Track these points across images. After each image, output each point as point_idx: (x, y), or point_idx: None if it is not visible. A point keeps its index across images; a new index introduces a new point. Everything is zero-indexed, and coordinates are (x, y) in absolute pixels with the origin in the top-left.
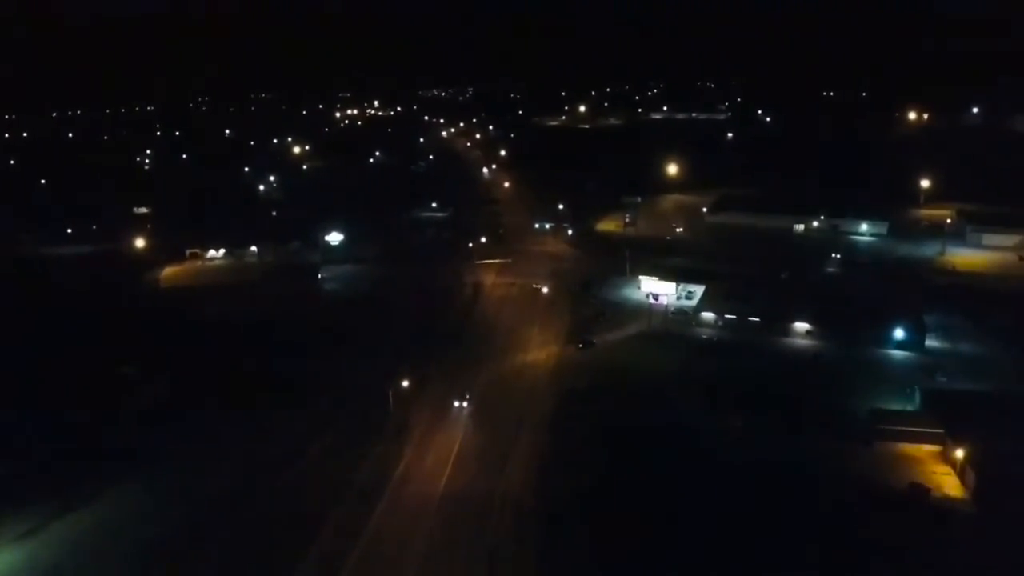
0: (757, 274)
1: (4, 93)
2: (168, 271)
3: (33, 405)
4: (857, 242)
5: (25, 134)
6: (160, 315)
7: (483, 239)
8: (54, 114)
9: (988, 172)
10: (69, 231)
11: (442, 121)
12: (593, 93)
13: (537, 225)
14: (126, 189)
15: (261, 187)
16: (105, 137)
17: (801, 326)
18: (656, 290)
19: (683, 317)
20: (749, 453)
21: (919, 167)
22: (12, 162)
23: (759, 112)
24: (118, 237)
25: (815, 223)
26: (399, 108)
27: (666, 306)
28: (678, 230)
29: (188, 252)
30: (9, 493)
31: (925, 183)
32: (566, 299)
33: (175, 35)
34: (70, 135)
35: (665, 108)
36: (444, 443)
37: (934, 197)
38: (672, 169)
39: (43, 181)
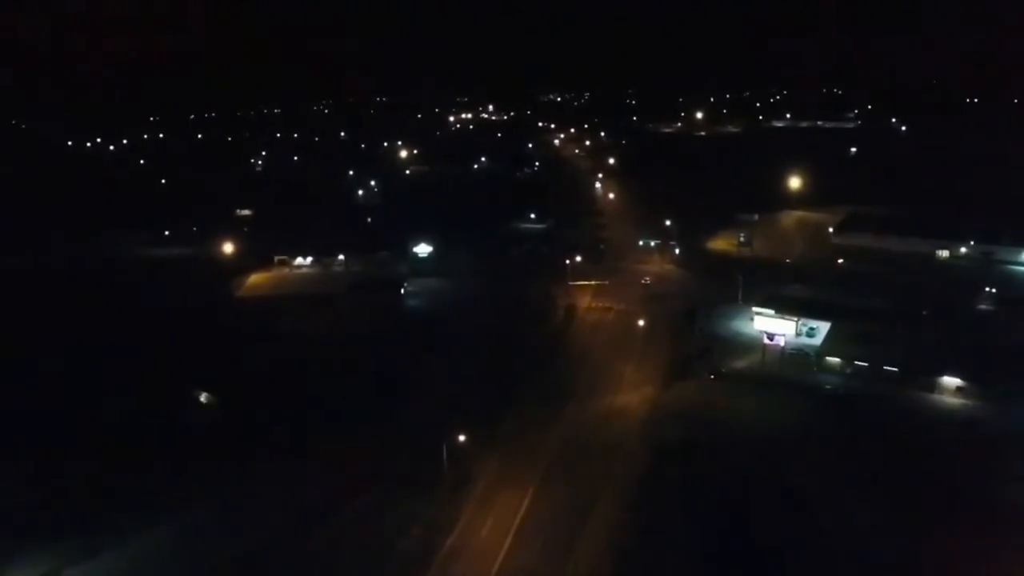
0: (894, 311)
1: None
2: (254, 278)
3: (78, 428)
4: (1016, 274)
5: (160, 135)
6: (232, 328)
7: (581, 256)
8: (191, 116)
9: None
10: (167, 233)
11: (553, 126)
12: (712, 99)
13: (641, 242)
14: (235, 190)
15: (360, 192)
16: (229, 139)
17: (950, 381)
18: (772, 329)
19: (803, 359)
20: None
21: None
22: (142, 162)
23: (892, 120)
24: (216, 240)
25: (963, 249)
26: (513, 112)
27: (783, 346)
28: (799, 252)
29: (276, 259)
30: (32, 525)
31: None
32: (667, 330)
33: (300, 37)
34: (199, 136)
35: (788, 115)
36: (506, 508)
37: None
38: (794, 182)
39: (163, 182)
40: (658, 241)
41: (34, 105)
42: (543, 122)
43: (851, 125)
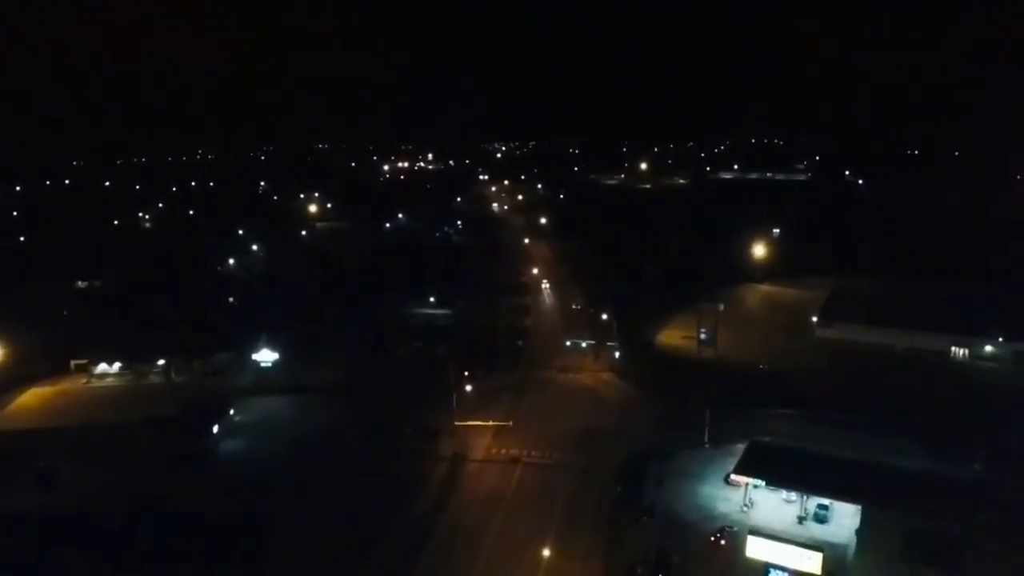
0: (945, 473)
1: None
2: (29, 395)
3: None
4: None
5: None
6: None
7: (487, 363)
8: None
9: None
10: None
11: (486, 177)
12: (656, 149)
13: (570, 343)
14: (87, 253)
15: (232, 260)
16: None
17: None
18: (772, 556)
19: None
20: None
21: None
22: None
23: (846, 172)
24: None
25: (987, 347)
26: (451, 162)
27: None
28: (777, 352)
29: (74, 364)
30: None
31: None
32: (599, 507)
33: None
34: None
35: (735, 167)
36: None
37: None
38: (756, 249)
39: None
40: (592, 341)
41: None
42: (483, 172)
43: (802, 177)
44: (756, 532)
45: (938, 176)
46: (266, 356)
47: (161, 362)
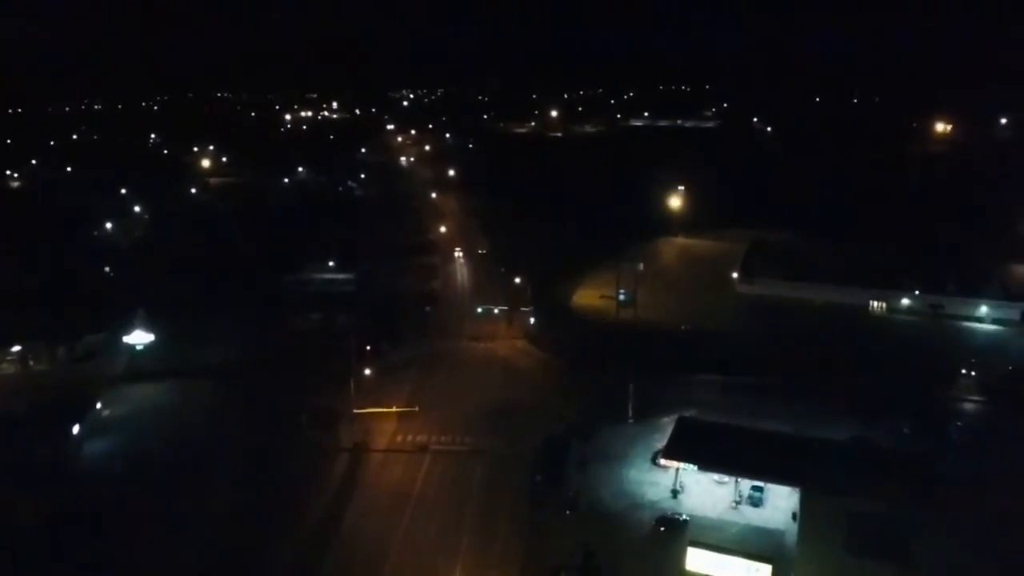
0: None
1: None
2: None
3: None
4: (976, 334)
5: None
6: None
7: (392, 335)
8: None
9: None
10: None
11: (392, 127)
12: (566, 96)
13: (481, 309)
14: None
15: (109, 224)
16: None
17: None
18: (715, 569)
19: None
20: None
21: (996, 197)
22: None
23: (755, 120)
24: None
25: (904, 300)
26: (357, 111)
27: None
28: (699, 312)
29: None
30: None
31: None
32: (516, 498)
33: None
34: None
35: (646, 114)
36: None
37: None
38: (672, 199)
39: None
40: (504, 307)
41: None
42: (390, 121)
43: (711, 124)
44: (697, 543)
45: (845, 126)
46: (140, 338)
47: (16, 348)
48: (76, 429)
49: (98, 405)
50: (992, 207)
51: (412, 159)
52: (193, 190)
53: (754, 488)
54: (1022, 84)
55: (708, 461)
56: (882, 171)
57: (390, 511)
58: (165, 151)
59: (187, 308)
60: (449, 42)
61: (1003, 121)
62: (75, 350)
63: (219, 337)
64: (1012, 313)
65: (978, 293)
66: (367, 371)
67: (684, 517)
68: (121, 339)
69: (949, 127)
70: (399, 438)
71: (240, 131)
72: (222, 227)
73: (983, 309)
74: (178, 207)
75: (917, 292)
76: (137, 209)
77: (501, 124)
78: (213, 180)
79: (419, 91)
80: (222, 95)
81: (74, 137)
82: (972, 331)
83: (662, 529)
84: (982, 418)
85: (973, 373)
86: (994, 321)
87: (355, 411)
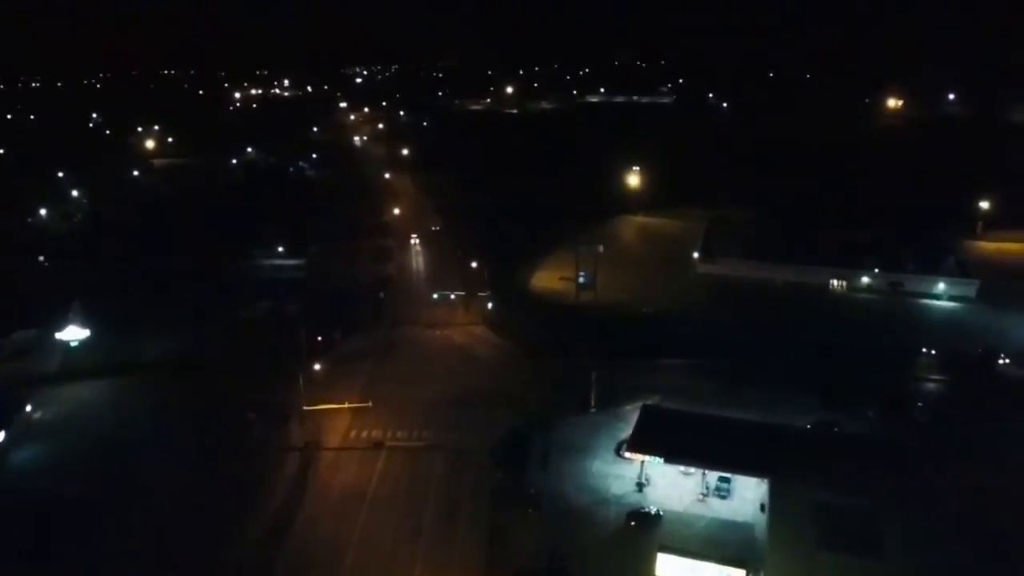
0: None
1: None
2: None
3: None
4: (935, 312)
5: None
6: None
7: (344, 324)
8: None
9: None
10: None
11: (344, 105)
12: (521, 72)
13: (437, 295)
14: None
15: (44, 211)
16: None
17: None
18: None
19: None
20: None
21: (944, 174)
22: None
23: (710, 96)
24: None
25: (864, 279)
26: (309, 88)
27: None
28: (660, 294)
29: None
30: None
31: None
32: (478, 496)
33: None
34: None
35: (602, 90)
36: None
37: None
38: (630, 177)
39: None
40: (460, 292)
41: None
42: (343, 99)
43: (667, 100)
44: (666, 548)
45: (800, 101)
46: (75, 333)
47: None
48: (1, 436)
49: (28, 408)
50: (945, 183)
51: (365, 138)
52: (136, 173)
53: (721, 479)
54: (967, 59)
55: (673, 453)
56: (836, 147)
57: (344, 514)
58: (107, 131)
59: (127, 299)
60: (403, 17)
61: (951, 97)
62: (3, 348)
63: (161, 330)
64: (968, 290)
65: (936, 271)
66: (317, 365)
67: (656, 511)
68: (54, 335)
69: (900, 102)
70: (353, 434)
71: (187, 110)
72: (166, 211)
73: (941, 286)
74: (119, 191)
75: (877, 270)
76: (75, 193)
77: (456, 101)
78: (158, 162)
79: (373, 68)
80: (168, 73)
81: (8, 117)
82: (931, 308)
83: (633, 524)
84: (944, 398)
85: (934, 352)
86: (951, 298)
87: (305, 408)
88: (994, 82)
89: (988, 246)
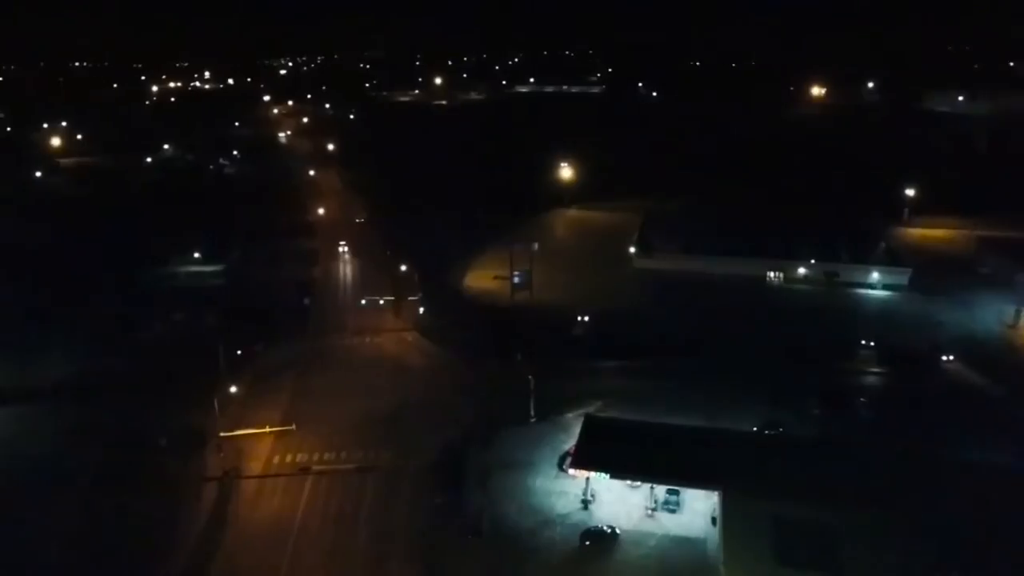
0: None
1: None
2: None
3: None
4: (870, 301)
5: None
6: None
7: (267, 335)
8: None
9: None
10: None
11: (268, 98)
12: (450, 63)
13: (365, 301)
14: None
15: None
16: None
17: None
18: None
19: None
20: None
21: (867, 160)
22: None
23: (639, 85)
24: None
25: (801, 270)
26: (231, 80)
27: None
28: (595, 292)
29: None
30: None
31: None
32: (414, 523)
33: None
34: None
35: (532, 80)
36: None
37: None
38: (563, 169)
39: None
40: (390, 297)
41: None
42: (266, 92)
43: (596, 90)
44: None
45: (728, 90)
46: None
47: None
48: None
49: None
50: (871, 171)
51: (290, 132)
52: (39, 173)
53: (670, 491)
54: (885, 49)
55: (619, 468)
56: (763, 135)
57: (267, 550)
58: (7, 128)
59: (24, 316)
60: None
61: (870, 85)
62: None
63: (63, 349)
64: (901, 278)
65: (869, 260)
66: (236, 384)
67: (612, 529)
68: None
69: (823, 91)
70: (276, 459)
71: (98, 104)
72: (71, 215)
73: (875, 275)
74: (18, 193)
75: (812, 261)
76: None
77: (384, 93)
78: (65, 161)
79: (297, 59)
80: (80, 64)
81: None
82: (867, 298)
83: (588, 544)
84: (885, 391)
85: (872, 344)
86: (885, 287)
87: (222, 433)
88: (912, 71)
89: (914, 232)
